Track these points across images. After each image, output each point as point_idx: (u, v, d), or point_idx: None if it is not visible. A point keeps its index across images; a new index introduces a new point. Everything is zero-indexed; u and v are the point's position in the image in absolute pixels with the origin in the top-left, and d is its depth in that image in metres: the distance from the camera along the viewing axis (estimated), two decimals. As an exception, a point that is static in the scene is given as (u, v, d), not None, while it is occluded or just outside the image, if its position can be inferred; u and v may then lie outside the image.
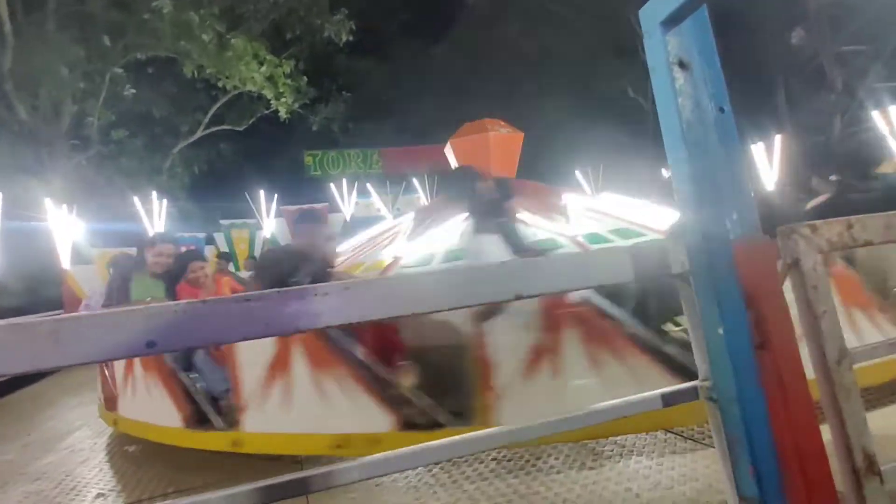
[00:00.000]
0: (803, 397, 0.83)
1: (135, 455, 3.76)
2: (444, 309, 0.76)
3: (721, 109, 0.93)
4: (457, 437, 0.80)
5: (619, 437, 2.90)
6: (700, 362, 0.87)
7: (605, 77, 17.65)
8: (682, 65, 0.87)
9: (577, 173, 13.98)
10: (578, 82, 18.30)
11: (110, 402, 4.14)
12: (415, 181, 16.71)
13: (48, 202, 9.39)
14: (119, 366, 3.88)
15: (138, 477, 3.30)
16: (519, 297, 0.80)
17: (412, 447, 0.77)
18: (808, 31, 15.69)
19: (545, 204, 4.63)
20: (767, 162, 10.63)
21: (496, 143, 5.20)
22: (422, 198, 16.66)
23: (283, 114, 15.41)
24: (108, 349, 0.62)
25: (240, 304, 0.67)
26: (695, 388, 0.85)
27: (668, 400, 0.85)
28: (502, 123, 5.39)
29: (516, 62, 19.20)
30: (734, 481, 0.79)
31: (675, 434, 2.89)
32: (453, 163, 5.45)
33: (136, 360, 3.65)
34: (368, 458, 0.70)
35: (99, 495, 3.09)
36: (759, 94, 16.71)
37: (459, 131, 5.48)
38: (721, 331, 0.82)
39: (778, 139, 10.74)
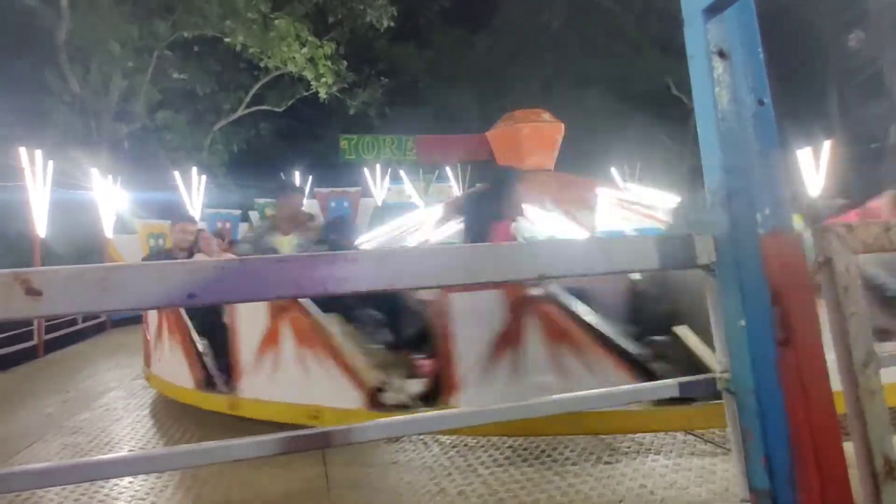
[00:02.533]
0: (824, 396, 0.82)
1: (164, 415, 3.94)
2: (468, 283, 0.78)
3: (761, 102, 0.92)
4: (472, 409, 0.82)
5: (637, 435, 2.88)
6: (720, 354, 0.87)
7: (647, 72, 17.21)
8: (721, 54, 0.86)
9: (613, 170, 13.73)
10: (619, 76, 17.91)
11: (147, 360, 4.62)
12: (447, 170, 16.70)
13: (95, 172, 9.76)
14: (152, 328, 4.22)
15: (169, 436, 3.47)
16: (542, 278, 0.81)
17: (426, 414, 0.80)
18: (867, 34, 14.96)
19: (574, 198, 4.59)
20: (814, 168, 10.23)
21: (533, 133, 5.16)
22: (454, 187, 16.65)
23: (322, 95, 15.58)
24: (152, 298, 0.66)
25: (275, 264, 0.71)
26: (713, 379, 0.85)
27: (685, 389, 0.86)
28: (545, 114, 5.34)
29: (557, 54, 18.90)
30: (746, 473, 0.80)
31: (696, 436, 2.85)
32: (496, 149, 5.42)
33: (164, 325, 3.94)
34: (384, 420, 0.73)
35: (130, 451, 3.25)
36: (811, 97, 16.07)
37: (503, 119, 5.45)
38: (743, 323, 0.81)
39: (827, 145, 10.32)
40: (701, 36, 0.87)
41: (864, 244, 0.98)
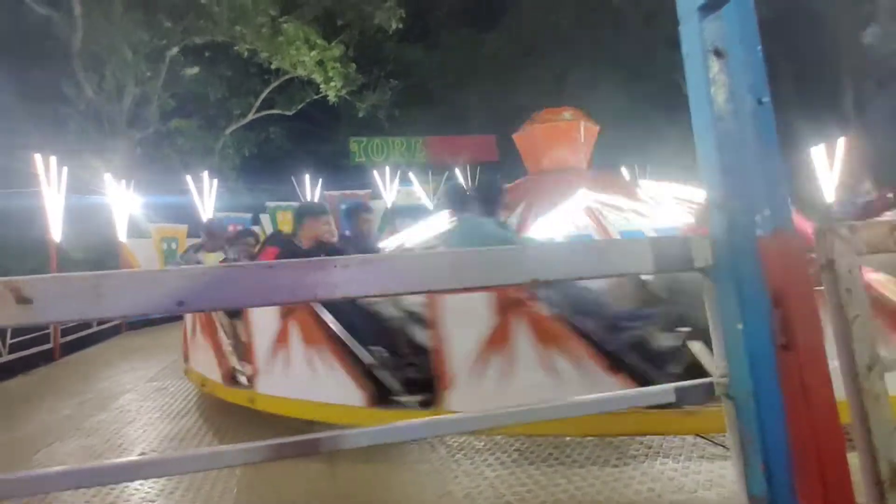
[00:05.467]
0: (826, 401, 0.80)
1: (176, 417, 3.98)
2: (461, 288, 0.78)
3: (760, 101, 0.90)
4: (465, 415, 0.82)
5: (645, 438, 2.85)
6: (718, 358, 0.85)
7: (657, 71, 17.07)
8: (717, 53, 0.85)
9: (623, 169, 13.62)
10: (629, 75, 17.78)
11: (185, 356, 4.81)
12: (457, 171, 16.70)
13: (108, 177, 9.91)
14: (189, 325, 4.48)
15: (180, 438, 3.51)
16: (536, 282, 0.80)
17: (425, 419, 0.80)
18: (883, 30, 14.70)
19: (626, 194, 4.57)
20: (828, 165, 10.06)
21: (573, 131, 5.06)
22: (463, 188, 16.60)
23: (331, 98, 15.67)
24: (143, 304, 0.67)
25: (264, 270, 0.71)
26: (711, 384, 0.84)
27: (682, 395, 0.84)
28: (580, 113, 5.24)
29: (566, 54, 18.81)
30: (745, 479, 0.78)
31: (706, 439, 2.82)
32: (526, 149, 5.32)
33: (197, 322, 4.13)
34: (377, 427, 0.73)
35: (142, 454, 3.29)
36: (824, 94, 15.84)
37: (535, 117, 5.33)
38: (741, 326, 0.80)
39: (841, 142, 10.15)
40: (696, 34, 0.86)
41: (868, 245, 0.96)
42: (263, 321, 3.27)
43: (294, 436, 0.72)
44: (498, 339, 2.62)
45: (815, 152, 10.21)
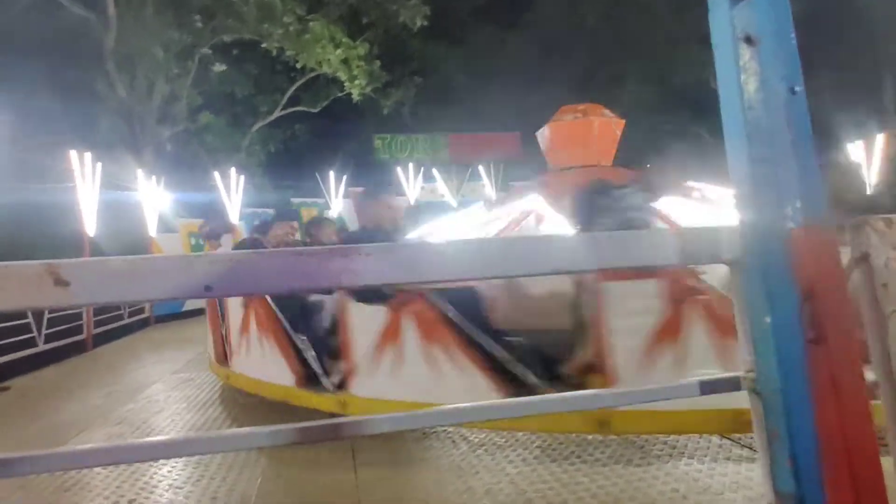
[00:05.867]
0: (858, 398, 0.78)
1: (202, 407, 4.08)
2: (483, 278, 0.78)
3: (793, 90, 0.88)
4: (489, 403, 0.82)
5: (669, 438, 2.81)
6: (746, 353, 0.83)
7: (685, 66, 16.72)
8: (749, 40, 0.83)
9: (649, 167, 13.41)
10: (656, 71, 17.47)
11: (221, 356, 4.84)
12: (480, 169, 16.67)
13: (140, 174, 10.17)
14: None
15: (206, 427, 3.60)
16: (557, 273, 0.80)
17: (448, 407, 0.80)
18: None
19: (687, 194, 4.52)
20: (866, 162, 9.75)
21: (601, 128, 4.99)
22: (487, 185, 16.61)
23: (355, 96, 15.81)
24: (173, 289, 0.69)
25: (290, 257, 0.72)
26: (737, 379, 0.82)
27: (707, 388, 0.83)
28: (604, 109, 5.17)
29: (592, 49, 18.56)
30: (771, 476, 0.76)
31: (732, 440, 2.76)
32: (549, 145, 5.27)
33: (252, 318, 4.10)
34: (398, 413, 0.74)
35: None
36: (863, 89, 15.32)
37: (557, 114, 5.29)
38: (768, 320, 0.78)
39: (880, 138, 9.82)
40: (726, 22, 0.84)
41: (905, 239, 0.93)
42: (363, 318, 3.19)
43: (316, 420, 0.73)
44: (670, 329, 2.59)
45: (853, 148, 9.91)
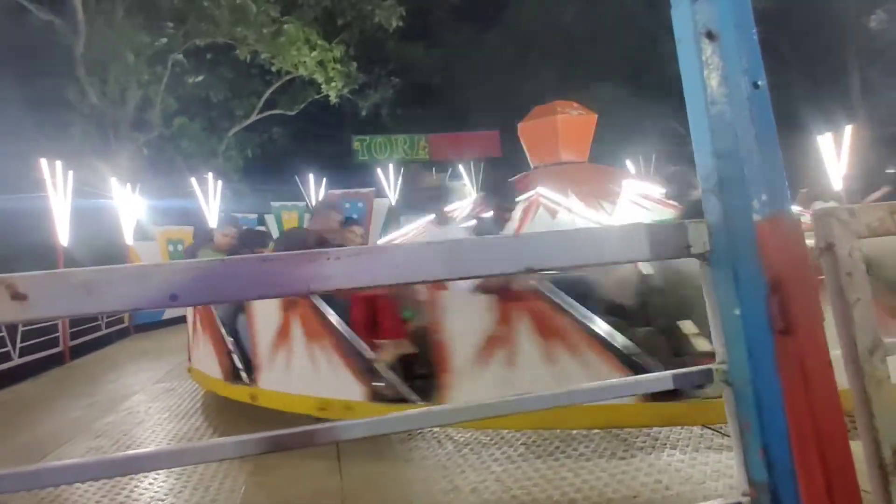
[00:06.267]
0: (827, 386, 0.80)
1: (184, 417, 4.01)
2: (454, 278, 0.78)
3: (756, 85, 0.89)
4: (466, 404, 0.82)
5: (652, 430, 2.84)
6: (717, 344, 0.84)
7: (661, 62, 16.92)
8: (710, 35, 0.84)
9: (627, 162, 13.55)
10: (633, 67, 17.67)
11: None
12: (461, 168, 16.69)
13: (114, 181, 9.97)
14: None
15: (188, 437, 3.54)
16: (530, 271, 0.80)
17: (422, 410, 0.80)
18: (888, 15, 14.55)
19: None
20: (835, 153, 9.97)
21: (566, 125, 5.05)
22: (467, 185, 16.63)
23: (332, 98, 15.71)
24: (137, 299, 0.67)
25: (257, 264, 0.71)
26: (710, 371, 0.83)
27: (680, 381, 0.84)
28: (575, 105, 5.22)
29: (569, 47, 18.71)
30: (745, 466, 0.78)
31: (713, 430, 2.81)
32: (527, 143, 5.31)
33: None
34: (373, 418, 0.73)
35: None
36: (830, 81, 15.68)
37: (530, 114, 5.33)
38: (738, 312, 0.79)
39: (848, 129, 10.05)
40: (688, 17, 0.85)
41: (868, 228, 0.95)
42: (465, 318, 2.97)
43: (290, 428, 0.72)
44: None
45: (821, 140, 10.13)
